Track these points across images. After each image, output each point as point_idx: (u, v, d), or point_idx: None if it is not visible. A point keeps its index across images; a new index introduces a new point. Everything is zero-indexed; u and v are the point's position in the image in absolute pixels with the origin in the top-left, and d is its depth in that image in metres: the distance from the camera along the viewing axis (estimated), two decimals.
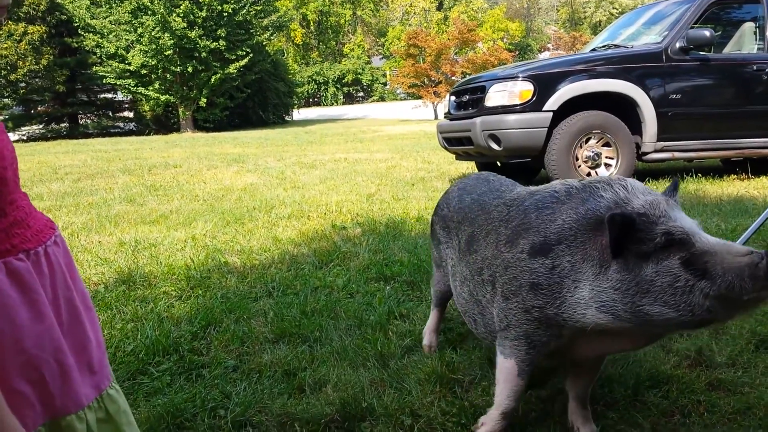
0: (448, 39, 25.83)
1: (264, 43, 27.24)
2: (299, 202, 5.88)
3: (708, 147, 6.24)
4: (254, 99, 27.12)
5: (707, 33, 5.92)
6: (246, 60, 24.31)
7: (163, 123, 26.30)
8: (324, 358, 2.36)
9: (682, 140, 6.18)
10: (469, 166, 8.35)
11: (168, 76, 23.97)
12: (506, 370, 1.72)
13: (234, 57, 24.41)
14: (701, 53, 6.12)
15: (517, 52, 37.08)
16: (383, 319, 2.71)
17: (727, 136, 6.21)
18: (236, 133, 21.14)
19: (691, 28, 6.08)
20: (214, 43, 23.53)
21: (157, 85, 24.06)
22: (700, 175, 6.52)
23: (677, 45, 6.05)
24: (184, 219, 5.20)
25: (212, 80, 24.10)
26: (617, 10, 46.47)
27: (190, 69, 23.49)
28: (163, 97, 24.18)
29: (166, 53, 22.94)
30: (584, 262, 1.51)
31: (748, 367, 2.18)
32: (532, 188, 1.81)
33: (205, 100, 24.38)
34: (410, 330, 2.60)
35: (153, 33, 22.49)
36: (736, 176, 6.42)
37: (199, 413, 2.00)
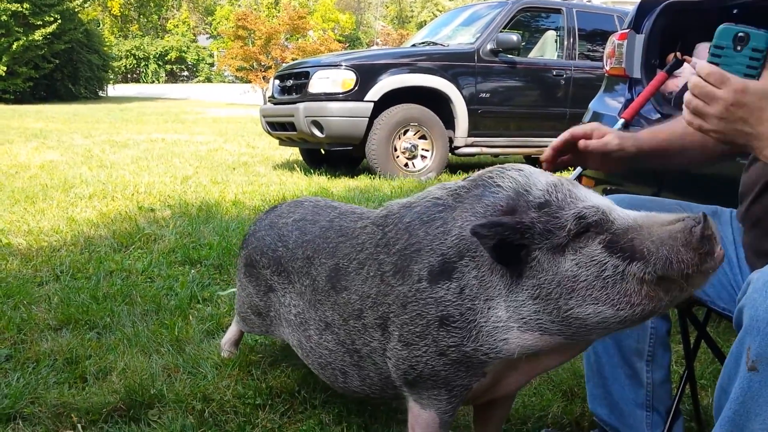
0: (279, 24, 25.46)
1: (76, 10, 25.01)
2: (104, 182, 5.44)
3: (512, 144, 6.77)
4: (63, 70, 24.84)
5: (515, 37, 6.39)
6: (54, 27, 22.19)
7: None
8: (113, 346, 2.18)
9: (490, 137, 6.63)
10: (293, 152, 8.29)
11: None
12: (424, 422, 1.39)
13: (40, 23, 22.16)
14: (509, 56, 6.59)
15: (347, 44, 37.58)
16: (184, 304, 2.57)
17: (529, 134, 6.78)
18: (41, 107, 19.23)
19: (501, 31, 6.52)
20: (17, 6, 21.14)
21: None
22: None
23: (488, 47, 6.45)
24: None
25: (14, 47, 21.72)
26: (441, 11, 48.87)
27: None
28: None
29: None
30: (493, 274, 1.23)
31: None
32: (403, 201, 1.46)
33: (4, 69, 21.85)
34: (213, 314, 2.50)
35: None
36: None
37: None
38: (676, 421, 1.60)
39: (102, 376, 1.98)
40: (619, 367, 1.59)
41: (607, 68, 3.09)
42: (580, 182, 2.68)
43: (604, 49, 3.34)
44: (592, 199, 1.20)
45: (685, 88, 2.82)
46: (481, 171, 1.34)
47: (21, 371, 1.99)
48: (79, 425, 1.71)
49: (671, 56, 2.80)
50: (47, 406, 1.79)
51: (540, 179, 1.23)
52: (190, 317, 2.47)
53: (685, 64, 2.85)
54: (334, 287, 1.50)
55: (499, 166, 1.32)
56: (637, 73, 2.85)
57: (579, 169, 2.87)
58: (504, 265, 1.20)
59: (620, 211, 1.19)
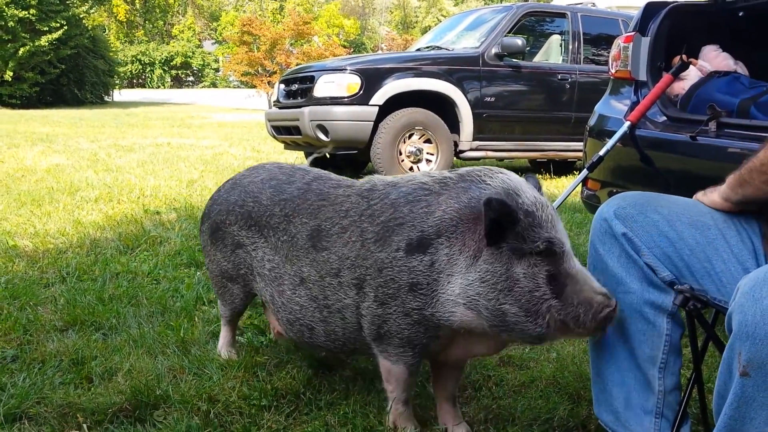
0: (284, 30, 25.51)
1: (82, 16, 25.09)
2: (110, 185, 5.47)
3: (517, 148, 6.76)
4: (69, 75, 24.88)
5: (519, 41, 6.39)
6: (60, 32, 22.22)
7: None
8: (119, 347, 2.19)
9: (495, 141, 6.63)
10: (298, 156, 8.31)
11: None
12: (398, 373, 1.64)
13: (46, 28, 22.21)
14: (514, 60, 6.60)
15: (352, 50, 37.66)
16: (190, 305, 2.58)
17: (534, 138, 6.77)
18: (47, 111, 19.30)
19: (506, 35, 6.53)
20: (24, 12, 21.22)
21: None
22: None
23: (493, 51, 6.46)
24: None
25: (20, 52, 21.75)
26: (445, 16, 48.87)
27: None
28: None
29: None
30: (461, 254, 1.45)
31: None
32: (387, 178, 1.67)
33: (11, 74, 21.92)
34: (218, 316, 2.50)
35: None
36: (540, 176, 6.99)
37: None
38: (683, 425, 1.57)
39: (108, 377, 1.98)
40: (629, 373, 1.54)
41: (613, 71, 3.08)
42: (585, 185, 2.68)
43: (608, 53, 3.33)
44: (562, 233, 1.44)
45: (690, 90, 2.81)
46: (469, 168, 1.54)
47: (27, 372, 2.00)
48: (84, 425, 1.71)
49: (677, 59, 2.80)
50: (53, 407, 1.79)
51: (528, 190, 1.46)
52: (196, 319, 2.48)
53: (691, 66, 2.85)
54: (314, 246, 1.68)
55: (486, 167, 1.52)
56: (642, 76, 2.85)
57: (585, 171, 2.88)
58: (486, 237, 1.41)
59: (574, 259, 1.44)
